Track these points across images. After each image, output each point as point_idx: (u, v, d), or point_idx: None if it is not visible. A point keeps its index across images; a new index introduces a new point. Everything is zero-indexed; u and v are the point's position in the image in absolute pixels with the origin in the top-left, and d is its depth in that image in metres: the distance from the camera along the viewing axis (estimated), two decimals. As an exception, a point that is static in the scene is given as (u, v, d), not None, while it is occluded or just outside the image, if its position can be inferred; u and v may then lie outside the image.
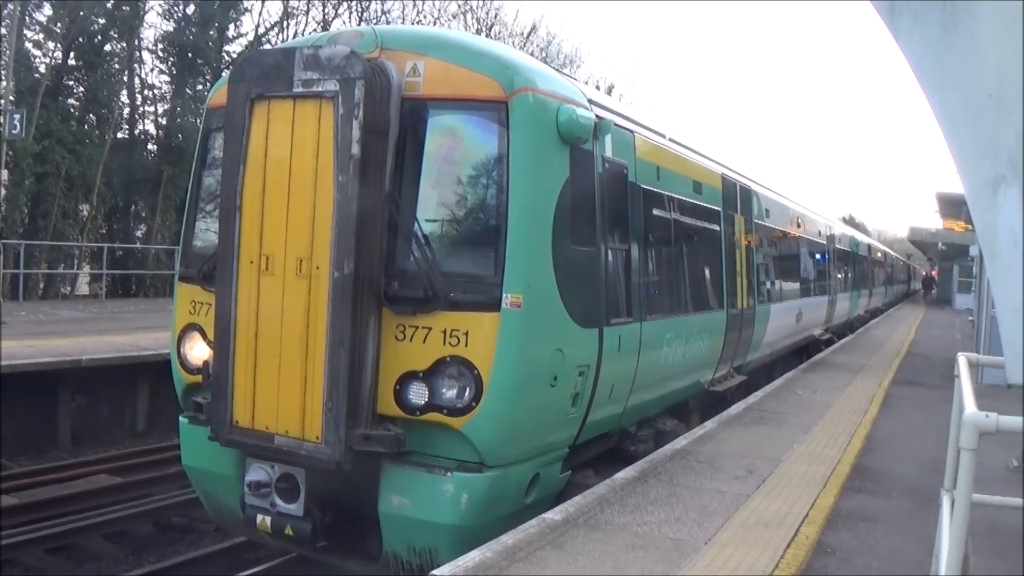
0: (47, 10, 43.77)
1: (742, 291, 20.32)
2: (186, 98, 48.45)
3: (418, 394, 10.41)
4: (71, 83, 45.54)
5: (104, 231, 47.24)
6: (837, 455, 14.51)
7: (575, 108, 11.32)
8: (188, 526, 16.39)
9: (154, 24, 49.52)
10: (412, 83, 10.85)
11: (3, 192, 29.48)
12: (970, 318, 42.51)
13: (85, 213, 44.46)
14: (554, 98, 11.24)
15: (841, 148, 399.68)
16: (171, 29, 48.57)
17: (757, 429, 16.43)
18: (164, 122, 49.83)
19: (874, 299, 57.53)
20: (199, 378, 11.81)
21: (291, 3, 52.99)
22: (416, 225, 10.68)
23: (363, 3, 56.23)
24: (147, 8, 47.97)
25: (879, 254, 65.48)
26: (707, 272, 18.23)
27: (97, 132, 44.80)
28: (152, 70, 50.03)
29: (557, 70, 13.30)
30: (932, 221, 71.65)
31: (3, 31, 39.63)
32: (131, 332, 26.32)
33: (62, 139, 40.77)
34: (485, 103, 10.70)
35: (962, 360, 7.96)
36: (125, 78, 47.96)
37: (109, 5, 45.49)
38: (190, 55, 47.87)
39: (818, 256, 33.31)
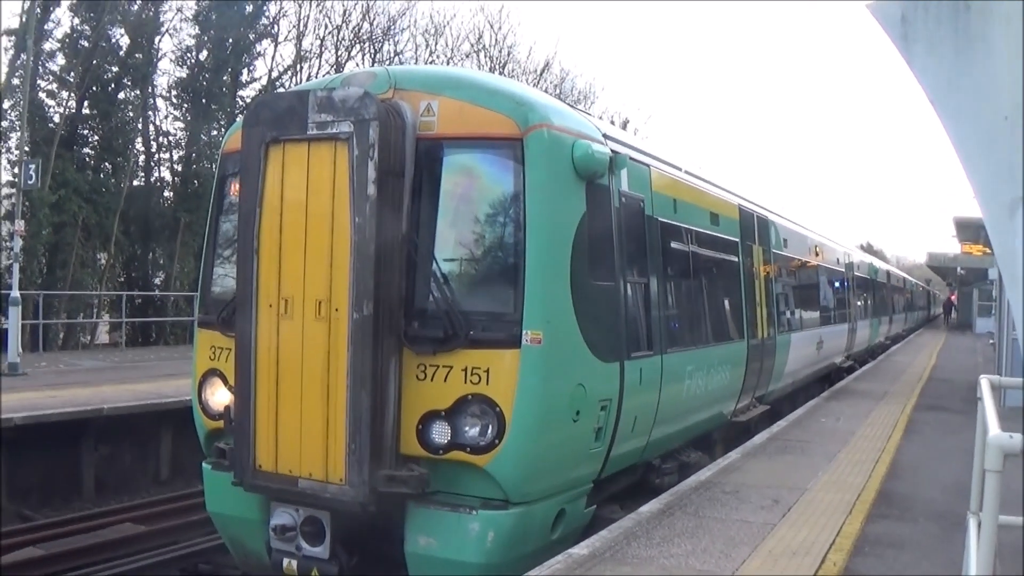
0: (60, 59, 44.06)
1: (762, 321, 20.29)
2: (201, 144, 48.62)
3: (441, 433, 10.40)
4: (86, 132, 45.78)
5: (122, 279, 47.42)
6: (862, 482, 14.46)
7: (590, 143, 11.34)
8: (215, 573, 16.31)
9: (167, 71, 49.74)
10: (427, 123, 10.89)
11: (21, 243, 29.53)
12: (991, 341, 42.31)
13: (103, 262, 44.64)
14: (569, 134, 11.27)
15: (858, 176, 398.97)
16: (184, 75, 48.88)
17: (781, 458, 16.37)
18: (180, 168, 50.05)
19: (894, 326, 57.39)
20: (221, 424, 11.81)
21: (304, 47, 53.32)
22: (434, 264, 10.69)
23: (376, 44, 56.49)
24: (160, 55, 48.34)
25: (898, 280, 65.35)
26: (727, 303, 18.20)
27: (113, 180, 45.00)
28: (167, 117, 50.38)
29: (571, 106, 13.34)
30: (950, 246, 71.35)
31: (17, 81, 39.86)
32: (152, 380, 26.34)
33: (78, 188, 40.94)
34: (500, 141, 10.73)
35: (984, 383, 7.93)
36: (140, 125, 48.21)
37: (122, 53, 45.75)
38: (204, 101, 48.13)
39: (837, 284, 33.27)
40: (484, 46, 62.29)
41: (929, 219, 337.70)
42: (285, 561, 11.06)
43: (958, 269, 77.49)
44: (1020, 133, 4.31)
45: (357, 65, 53.52)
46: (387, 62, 52.91)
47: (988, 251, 41.59)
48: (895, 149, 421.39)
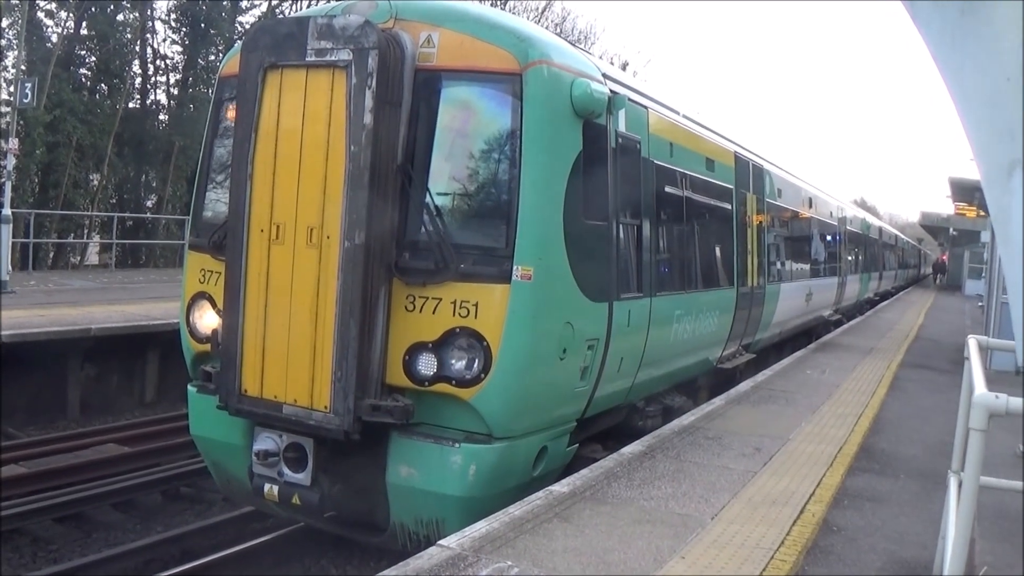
0: (60, -21, 43.69)
1: (752, 270, 20.31)
2: (198, 68, 48.47)
3: (427, 365, 10.43)
4: (83, 53, 45.52)
5: (114, 201, 47.23)
6: (844, 435, 14.50)
7: (589, 82, 11.30)
8: (196, 496, 16.40)
9: (167, -6, 49.43)
10: (426, 54, 10.84)
11: (14, 161, 29.37)
12: (980, 304, 42.38)
13: (96, 183, 44.46)
14: (568, 71, 11.22)
15: (854, 131, 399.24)
16: (184, -1, 48.52)
17: (765, 407, 16.43)
18: (176, 92, 49.86)
19: (884, 282, 57.45)
20: (208, 347, 11.81)
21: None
22: (428, 196, 10.67)
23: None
24: (160, -22, 47.98)
25: (890, 237, 65.32)
26: (718, 250, 18.22)
27: (109, 102, 44.79)
28: (164, 40, 50.02)
29: (572, 44, 13.26)
30: (944, 206, 71.68)
31: (16, 0, 39.58)
32: (141, 302, 26.32)
33: (74, 109, 40.76)
34: (499, 75, 10.68)
35: (972, 342, 7.94)
36: (137, 48, 47.90)
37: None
38: (203, 25, 47.77)
39: (829, 237, 33.26)
40: (487, -19, 61.95)
41: (924, 178, 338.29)
42: (266, 486, 11.10)
43: (950, 230, 77.59)
44: (1022, 95, 4.28)
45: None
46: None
47: (982, 213, 41.57)
48: (894, 106, 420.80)
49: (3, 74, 40.75)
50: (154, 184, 49.14)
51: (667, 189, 14.77)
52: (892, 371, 23.09)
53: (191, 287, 12.40)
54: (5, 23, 40.31)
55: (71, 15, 43.72)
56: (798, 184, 27.92)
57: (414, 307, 10.50)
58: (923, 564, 9.08)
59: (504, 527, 8.95)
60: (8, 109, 33.56)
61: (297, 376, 10.48)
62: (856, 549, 9.48)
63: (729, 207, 18.88)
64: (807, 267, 28.82)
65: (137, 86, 48.78)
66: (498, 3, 59.97)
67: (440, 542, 8.56)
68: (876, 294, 53.21)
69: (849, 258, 38.62)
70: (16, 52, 34.51)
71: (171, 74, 50.44)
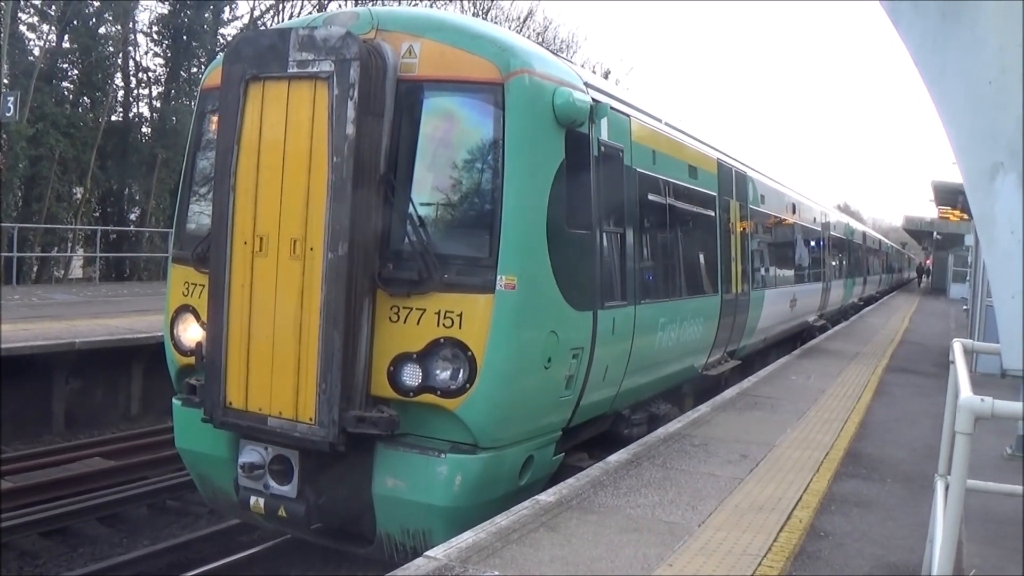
0: (42, -8, 43.59)
1: (737, 276, 20.34)
2: (181, 81, 48.37)
3: (412, 376, 10.40)
4: (65, 66, 45.36)
5: (98, 214, 47.13)
6: (831, 440, 14.51)
7: (571, 91, 11.30)
8: (182, 509, 16.37)
9: (149, 6, 49.41)
10: (408, 64, 10.83)
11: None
12: (964, 307, 42.48)
13: (79, 196, 44.32)
14: (550, 81, 11.23)
15: (837, 136, 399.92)
16: (166, 11, 48.40)
17: (751, 414, 16.44)
18: (158, 105, 49.69)
19: (868, 287, 57.54)
20: (192, 360, 11.78)
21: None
22: (411, 206, 10.64)
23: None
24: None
25: (874, 242, 65.40)
26: (702, 257, 18.22)
27: (91, 115, 44.66)
28: (147, 53, 49.88)
29: (554, 53, 13.27)
30: (927, 210, 71.76)
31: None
32: (125, 315, 26.24)
33: (56, 122, 40.62)
34: (481, 85, 10.68)
35: (957, 346, 7.94)
36: (120, 61, 47.76)
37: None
38: (185, 37, 47.69)
39: (813, 243, 33.28)
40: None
41: (907, 182, 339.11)
42: (252, 499, 11.06)
43: (934, 233, 77.80)
44: (1003, 98, 4.29)
45: (340, 5, 53.14)
46: (370, 3, 52.50)
47: (965, 216, 41.67)
48: (877, 110, 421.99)
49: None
50: (137, 197, 48.99)
51: (650, 197, 14.77)
52: (878, 376, 23.13)
53: (175, 300, 12.38)
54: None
55: (53, 28, 43.58)
56: (781, 190, 27.96)
57: (398, 318, 10.48)
58: (911, 568, 9.09)
59: (491, 537, 8.95)
60: (-10, 123, 33.51)
61: (282, 388, 10.46)
62: (844, 554, 9.48)
63: (712, 214, 18.89)
64: (791, 273, 28.85)
65: (120, 99, 48.63)
66: (480, 13, 60.03)
67: (427, 553, 8.56)
68: (861, 299, 53.32)
69: (833, 263, 38.67)
70: (-2, 66, 34.47)
71: (153, 87, 50.32)
